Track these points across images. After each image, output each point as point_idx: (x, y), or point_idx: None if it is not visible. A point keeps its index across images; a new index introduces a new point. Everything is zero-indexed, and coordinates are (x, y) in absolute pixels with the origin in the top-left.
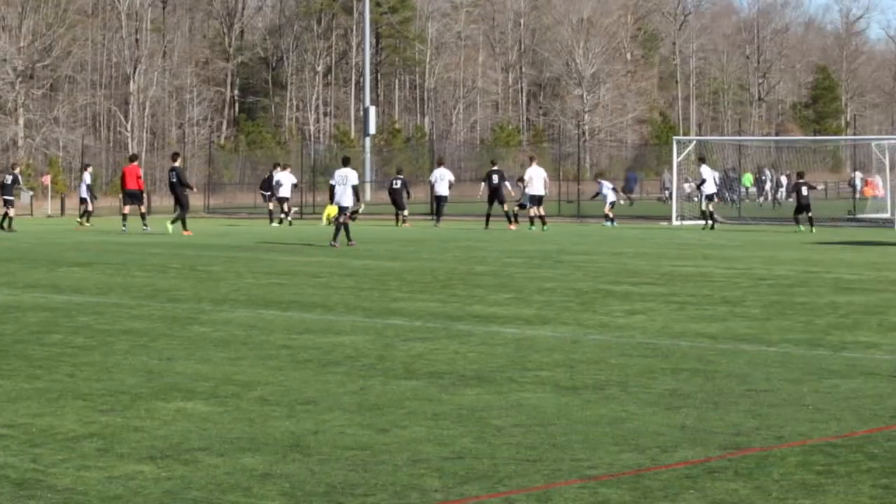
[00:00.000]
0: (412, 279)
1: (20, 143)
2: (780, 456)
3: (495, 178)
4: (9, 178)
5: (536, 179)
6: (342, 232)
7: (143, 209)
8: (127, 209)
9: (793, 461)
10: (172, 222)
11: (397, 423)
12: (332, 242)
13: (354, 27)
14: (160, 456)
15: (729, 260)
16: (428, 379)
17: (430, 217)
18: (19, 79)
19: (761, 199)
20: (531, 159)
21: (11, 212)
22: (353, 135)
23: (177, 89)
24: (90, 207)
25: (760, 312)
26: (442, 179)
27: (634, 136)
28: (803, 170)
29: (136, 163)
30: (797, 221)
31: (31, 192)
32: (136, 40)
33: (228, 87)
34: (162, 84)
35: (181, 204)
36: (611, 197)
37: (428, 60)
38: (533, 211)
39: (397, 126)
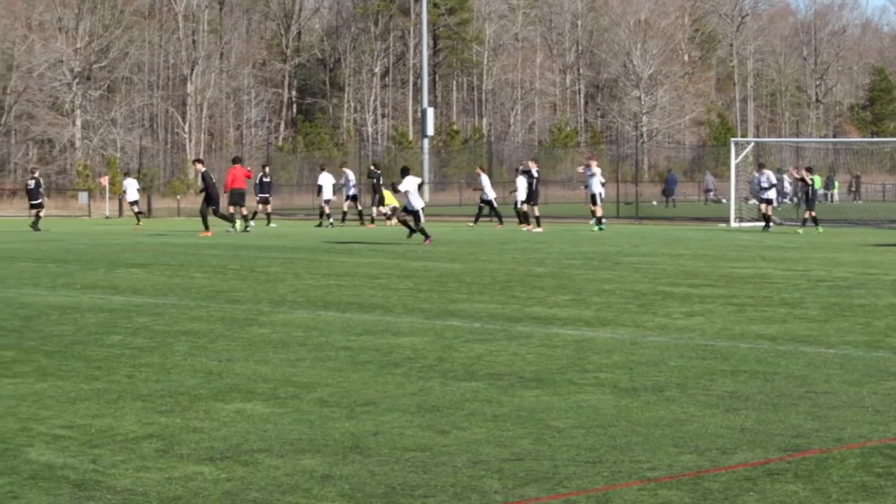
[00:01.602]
0: (471, 280)
1: (77, 144)
2: (839, 458)
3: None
4: (31, 183)
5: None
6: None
7: (245, 210)
8: (232, 209)
9: (852, 463)
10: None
11: (457, 425)
12: (426, 240)
13: (412, 28)
14: (220, 457)
15: (787, 261)
16: (487, 380)
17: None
18: (76, 80)
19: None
20: (589, 160)
21: (41, 213)
22: (411, 136)
23: (234, 91)
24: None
25: (819, 314)
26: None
27: (692, 137)
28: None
29: (239, 164)
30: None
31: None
32: (193, 41)
33: (286, 89)
34: (219, 85)
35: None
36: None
37: (485, 62)
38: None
39: (455, 127)
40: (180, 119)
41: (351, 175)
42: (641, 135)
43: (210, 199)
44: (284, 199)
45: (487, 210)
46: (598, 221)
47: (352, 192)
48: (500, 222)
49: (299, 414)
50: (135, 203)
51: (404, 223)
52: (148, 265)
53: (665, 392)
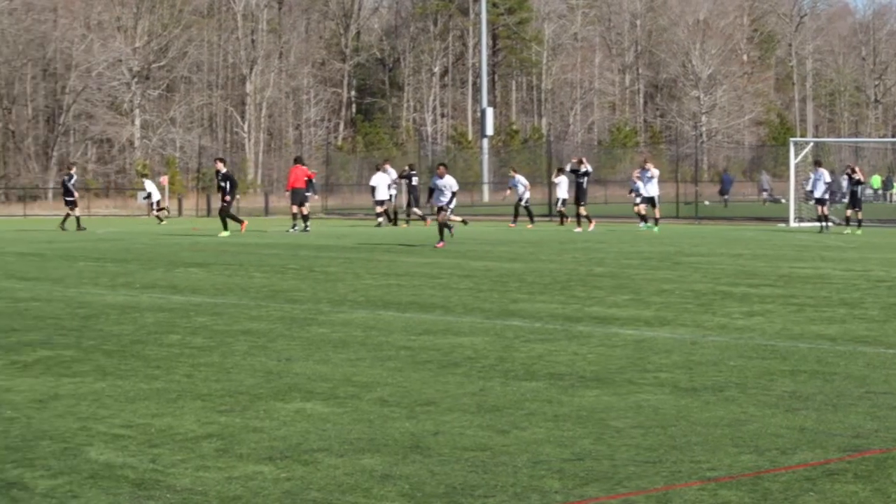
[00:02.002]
0: (532, 280)
1: (136, 143)
2: None
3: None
4: (67, 178)
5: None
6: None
7: (305, 210)
8: (295, 208)
9: None
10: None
11: (517, 425)
12: (450, 233)
13: (471, 28)
14: (280, 456)
15: (846, 262)
16: (548, 380)
17: (553, 219)
18: (135, 79)
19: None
20: (646, 162)
21: (77, 211)
22: (470, 136)
23: (293, 90)
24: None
25: (879, 314)
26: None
27: (751, 137)
28: None
29: (300, 164)
30: None
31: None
32: (253, 41)
33: (345, 88)
34: (278, 85)
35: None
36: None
37: (545, 61)
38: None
39: (515, 127)
40: (239, 118)
41: (392, 173)
42: (701, 135)
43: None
44: (344, 198)
45: (523, 210)
46: (656, 222)
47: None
48: (515, 222)
49: (359, 413)
50: (158, 203)
51: (444, 225)
52: (207, 265)
53: (725, 392)
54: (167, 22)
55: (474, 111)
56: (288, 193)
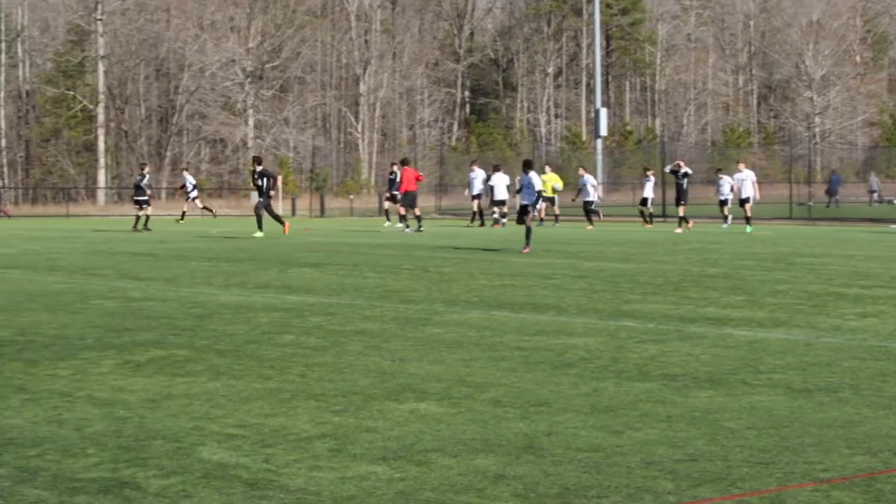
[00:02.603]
0: (644, 281)
1: (250, 143)
2: None
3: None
4: (139, 179)
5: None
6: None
7: (418, 211)
8: (403, 209)
9: None
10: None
11: (630, 425)
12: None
13: (584, 29)
14: (393, 457)
15: None
16: (661, 381)
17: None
18: (248, 80)
19: None
20: (739, 163)
21: (148, 210)
22: (584, 136)
23: (407, 90)
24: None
25: None
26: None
27: (865, 138)
28: None
29: (408, 165)
30: None
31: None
32: (366, 41)
33: (459, 89)
34: (392, 85)
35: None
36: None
37: (658, 62)
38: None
39: (628, 128)
40: (353, 119)
41: (481, 174)
42: (814, 136)
43: (264, 198)
44: (458, 198)
45: (590, 208)
46: (650, 220)
47: (476, 191)
48: (591, 223)
49: (473, 414)
50: (196, 199)
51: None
52: (321, 265)
53: (838, 393)
54: (280, 22)
55: (588, 112)
56: (396, 195)
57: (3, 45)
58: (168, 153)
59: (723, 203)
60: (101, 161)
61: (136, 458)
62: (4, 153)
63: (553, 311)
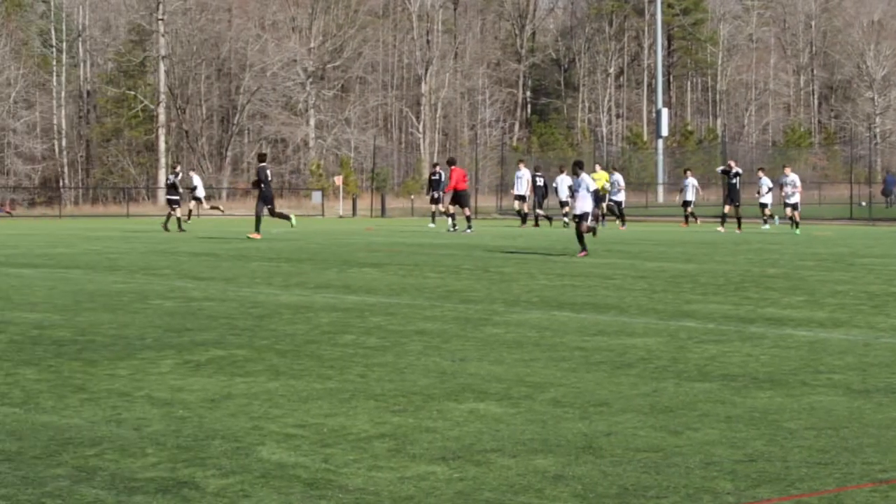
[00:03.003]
0: (705, 281)
1: (311, 143)
2: None
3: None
4: (171, 178)
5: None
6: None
7: (468, 211)
8: (453, 208)
9: None
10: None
11: (690, 426)
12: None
13: (646, 29)
14: (452, 457)
15: None
16: (721, 381)
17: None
18: (310, 80)
19: None
20: (784, 167)
21: (178, 212)
22: (645, 136)
23: (468, 91)
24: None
25: None
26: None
27: None
28: None
29: (455, 165)
30: None
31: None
32: (428, 41)
33: (520, 89)
34: (453, 85)
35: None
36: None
37: (720, 62)
38: (789, 212)
39: (689, 128)
40: (414, 119)
41: (527, 173)
42: (875, 136)
43: (265, 199)
44: None
45: (616, 209)
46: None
47: (520, 191)
48: (623, 223)
49: (532, 414)
50: (204, 199)
51: (589, 230)
52: (381, 265)
53: None
54: (342, 22)
55: (649, 112)
56: (436, 195)
57: (65, 44)
58: (229, 153)
59: (763, 205)
60: (162, 161)
61: (194, 458)
62: (65, 153)
63: (614, 312)
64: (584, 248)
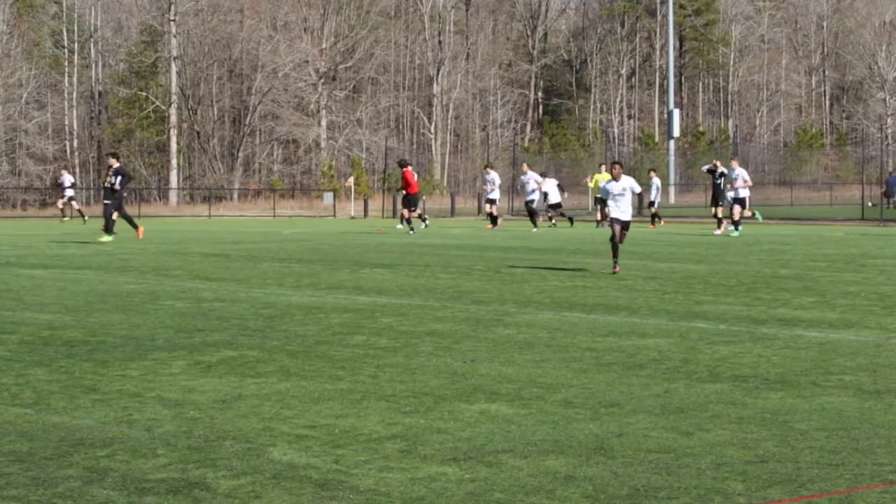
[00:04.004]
0: (716, 282)
1: (322, 144)
2: None
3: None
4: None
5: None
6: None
7: (417, 212)
8: (406, 212)
9: None
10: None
11: (701, 427)
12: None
13: (658, 30)
14: (463, 458)
15: None
16: (732, 382)
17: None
18: (322, 80)
19: None
20: (732, 159)
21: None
22: (656, 137)
23: (480, 91)
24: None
25: None
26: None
27: None
28: None
29: (408, 167)
30: None
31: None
32: (440, 42)
33: (532, 90)
34: (465, 86)
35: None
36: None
37: (731, 63)
38: (737, 212)
39: (701, 129)
40: (426, 120)
41: (495, 177)
42: (886, 137)
43: (115, 199)
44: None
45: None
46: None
47: (528, 195)
48: (656, 222)
49: (543, 415)
50: (72, 200)
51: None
52: (393, 266)
53: None
54: (354, 23)
55: (661, 112)
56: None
57: (77, 45)
58: (240, 154)
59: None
60: (174, 162)
61: (205, 459)
62: (77, 154)
63: (625, 313)
64: (617, 263)
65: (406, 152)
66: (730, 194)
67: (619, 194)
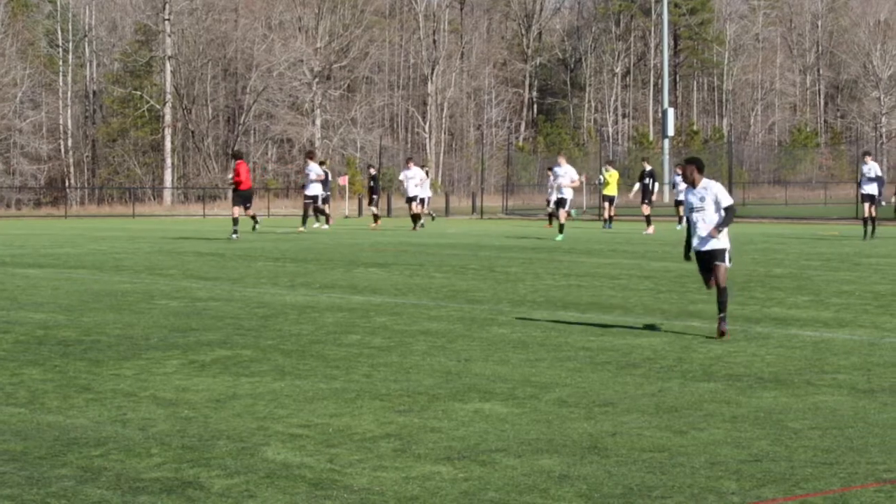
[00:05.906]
0: None
1: (317, 143)
2: None
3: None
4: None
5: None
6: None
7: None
8: (237, 211)
9: None
10: None
11: (695, 426)
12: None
13: (652, 29)
14: (457, 457)
15: None
16: (726, 381)
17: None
18: (316, 80)
19: None
20: (559, 154)
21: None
22: (651, 136)
23: (475, 90)
24: None
25: None
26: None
27: None
28: None
29: (242, 160)
30: None
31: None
32: (434, 41)
33: (526, 89)
34: (460, 85)
35: None
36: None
37: (726, 62)
38: (563, 215)
39: (695, 128)
40: (420, 119)
41: (318, 170)
42: (881, 136)
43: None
44: (525, 198)
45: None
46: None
47: (311, 191)
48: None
49: (537, 414)
50: None
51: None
52: (387, 265)
53: None
54: (348, 22)
55: (655, 112)
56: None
57: (71, 44)
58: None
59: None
60: (168, 161)
61: (199, 458)
62: (71, 153)
63: (619, 312)
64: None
65: (401, 151)
66: (563, 193)
67: (699, 207)
